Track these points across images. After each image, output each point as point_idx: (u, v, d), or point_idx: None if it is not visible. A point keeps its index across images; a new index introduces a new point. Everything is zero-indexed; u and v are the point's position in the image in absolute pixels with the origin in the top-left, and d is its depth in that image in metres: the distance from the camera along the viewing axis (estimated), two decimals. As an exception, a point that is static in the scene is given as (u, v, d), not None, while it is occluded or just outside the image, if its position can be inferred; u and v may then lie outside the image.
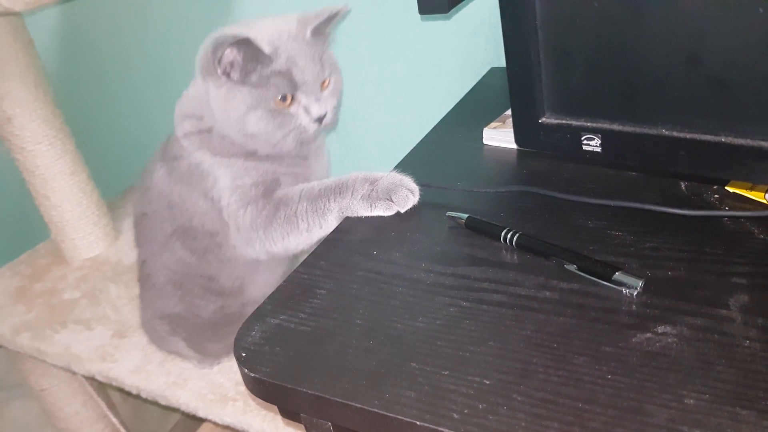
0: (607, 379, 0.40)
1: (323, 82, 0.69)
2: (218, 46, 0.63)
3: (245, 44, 0.63)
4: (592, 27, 0.40)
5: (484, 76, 0.97)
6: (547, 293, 0.48)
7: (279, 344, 0.47)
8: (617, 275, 0.46)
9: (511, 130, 0.68)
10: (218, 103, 0.67)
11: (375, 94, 1.19)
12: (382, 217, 0.62)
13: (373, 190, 0.62)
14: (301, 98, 0.67)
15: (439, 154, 0.74)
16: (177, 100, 0.79)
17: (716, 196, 0.56)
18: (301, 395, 0.43)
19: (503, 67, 0.99)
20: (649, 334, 0.43)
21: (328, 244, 0.60)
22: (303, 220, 0.67)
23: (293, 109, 0.67)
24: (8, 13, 0.97)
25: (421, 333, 0.46)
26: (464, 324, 0.46)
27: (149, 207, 0.82)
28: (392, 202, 0.60)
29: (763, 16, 0.34)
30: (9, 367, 2.00)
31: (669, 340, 0.42)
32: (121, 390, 1.27)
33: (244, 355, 0.47)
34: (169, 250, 0.80)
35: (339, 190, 0.64)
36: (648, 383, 0.39)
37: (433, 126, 0.81)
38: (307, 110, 0.68)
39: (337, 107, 0.71)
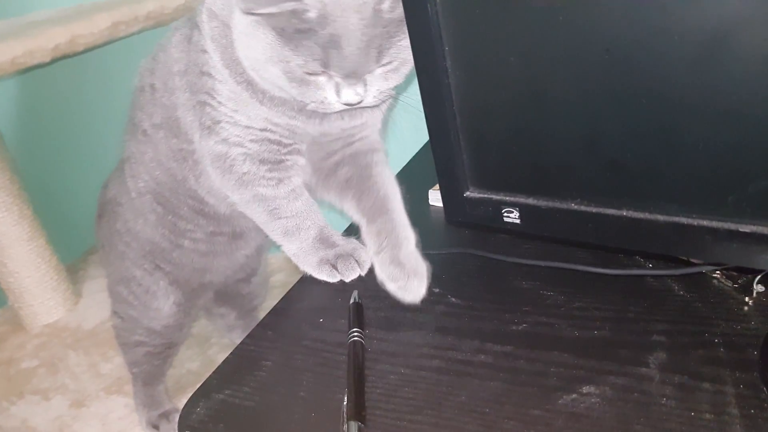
0: (533, 444, 0.42)
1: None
2: None
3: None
4: (502, 114, 0.44)
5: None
6: (482, 357, 0.50)
7: (223, 421, 0.49)
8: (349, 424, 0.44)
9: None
10: (239, 30, 0.55)
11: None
12: (329, 284, 0.64)
13: (325, 254, 0.63)
14: (335, 75, 0.53)
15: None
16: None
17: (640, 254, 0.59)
18: (244, 473, 0.44)
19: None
20: (574, 395, 0.45)
21: (276, 313, 0.61)
22: (271, 224, 0.66)
23: (322, 80, 0.53)
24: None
25: (368, 402, 0.47)
26: (403, 392, 0.48)
27: (149, 80, 0.71)
28: (336, 270, 0.62)
29: (648, 107, 0.38)
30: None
31: (593, 400, 0.44)
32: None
33: (188, 432, 0.48)
34: (153, 146, 0.71)
35: (297, 235, 0.64)
36: (571, 446, 0.41)
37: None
38: (337, 89, 0.54)
39: (388, 91, 0.57)
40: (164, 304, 0.84)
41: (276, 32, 0.51)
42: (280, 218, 0.66)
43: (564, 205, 0.44)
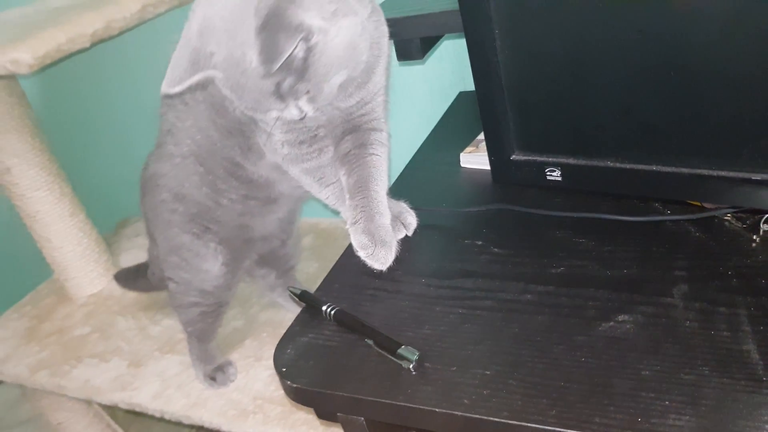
0: (580, 362, 0.50)
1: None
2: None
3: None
4: (545, 86, 0.51)
5: (454, 101, 1.08)
6: (528, 296, 0.58)
7: (311, 358, 0.57)
8: (401, 349, 0.53)
9: (484, 153, 0.79)
10: None
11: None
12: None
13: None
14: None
15: (423, 179, 0.84)
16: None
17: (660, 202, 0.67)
18: (337, 398, 0.53)
19: (471, 91, 1.11)
20: (611, 323, 0.53)
21: (339, 268, 0.69)
22: (322, 192, 0.74)
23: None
24: (12, 75, 1.04)
25: (429, 338, 0.56)
26: (464, 327, 0.56)
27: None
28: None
29: (675, 77, 0.45)
30: (13, 406, 2.03)
31: (627, 326, 0.53)
32: (126, 414, 1.34)
33: (284, 369, 0.56)
34: (194, 115, 0.80)
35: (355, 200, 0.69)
36: (612, 362, 0.50)
37: (410, 151, 0.91)
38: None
39: (336, 90, 0.63)
40: (214, 266, 0.92)
41: None
42: (327, 185, 0.74)
43: (601, 163, 0.52)
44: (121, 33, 1.09)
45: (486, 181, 0.80)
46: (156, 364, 1.08)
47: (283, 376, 0.56)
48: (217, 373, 1.00)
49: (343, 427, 0.56)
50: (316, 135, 0.71)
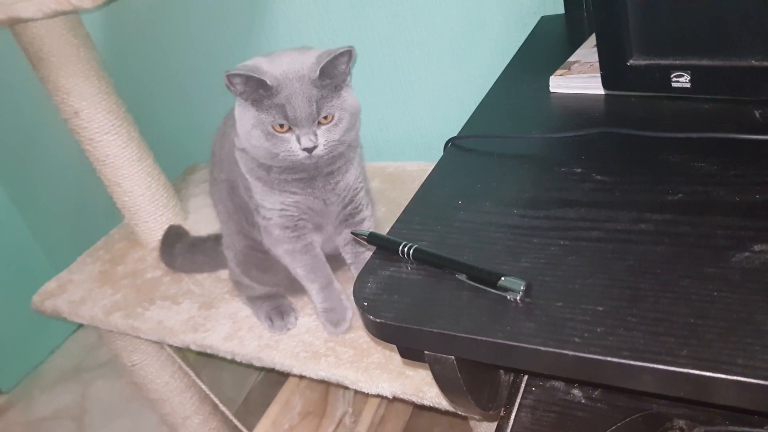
0: (714, 296, 0.43)
1: (324, 118, 0.76)
2: (229, 77, 0.73)
3: (251, 78, 0.73)
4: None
5: (536, 26, 0.98)
6: (643, 225, 0.51)
7: (395, 292, 0.52)
8: (502, 281, 0.47)
9: (578, 76, 0.70)
10: (238, 115, 0.79)
11: (421, 56, 1.21)
12: (464, 171, 0.66)
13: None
14: (295, 129, 0.75)
15: (507, 107, 0.77)
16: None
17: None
18: (426, 334, 0.48)
19: (555, 15, 1.01)
20: (747, 253, 0.46)
21: (417, 200, 0.64)
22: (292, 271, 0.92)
23: (287, 135, 0.75)
24: (75, 11, 1.02)
25: (528, 272, 0.50)
26: (568, 260, 0.50)
27: (224, 130, 0.95)
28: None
29: None
30: (90, 350, 2.13)
31: (767, 257, 0.45)
32: (198, 358, 1.36)
33: (366, 304, 0.52)
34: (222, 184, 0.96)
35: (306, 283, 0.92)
36: (754, 296, 0.42)
37: (484, 82, 0.83)
38: (298, 140, 0.75)
39: (337, 141, 0.77)
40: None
41: (252, 103, 0.75)
42: (296, 267, 0.91)
43: (743, 62, 0.43)
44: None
45: (579, 106, 0.72)
46: (227, 306, 1.07)
47: (364, 310, 0.51)
48: (275, 315, 0.98)
49: (431, 367, 0.52)
50: (296, 224, 0.87)
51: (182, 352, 1.30)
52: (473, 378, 0.53)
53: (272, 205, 0.85)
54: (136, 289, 1.19)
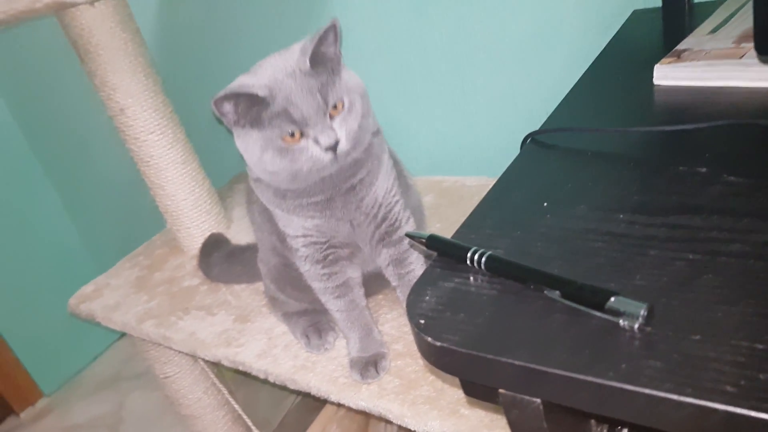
0: None
1: (334, 108, 0.66)
2: (216, 103, 0.65)
3: (239, 96, 0.64)
4: None
5: (626, 21, 0.86)
6: (804, 239, 0.38)
7: (462, 310, 0.40)
8: (612, 302, 0.35)
9: (689, 64, 0.58)
10: (241, 147, 0.69)
11: (485, 62, 1.09)
12: (548, 170, 0.54)
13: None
14: (308, 131, 0.65)
15: (597, 101, 0.64)
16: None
17: None
18: (503, 367, 0.36)
19: (651, 8, 0.88)
20: None
21: (488, 202, 0.52)
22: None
23: (303, 143, 0.65)
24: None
25: (645, 292, 0.37)
26: (703, 279, 0.37)
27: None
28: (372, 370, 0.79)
29: None
30: (129, 360, 2.09)
31: None
32: (234, 377, 1.27)
33: (422, 321, 0.40)
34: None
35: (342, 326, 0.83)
36: None
37: (555, 92, 0.71)
38: (316, 141, 0.65)
39: (358, 130, 0.67)
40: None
41: (251, 126, 0.66)
42: (331, 310, 0.83)
43: None
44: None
45: (693, 99, 0.59)
46: (263, 320, 0.98)
47: (421, 329, 0.39)
48: (312, 333, 0.87)
49: (507, 411, 0.39)
50: (326, 257, 0.78)
51: (218, 367, 1.21)
52: (561, 429, 0.40)
53: (295, 231, 0.76)
54: (171, 297, 1.12)
